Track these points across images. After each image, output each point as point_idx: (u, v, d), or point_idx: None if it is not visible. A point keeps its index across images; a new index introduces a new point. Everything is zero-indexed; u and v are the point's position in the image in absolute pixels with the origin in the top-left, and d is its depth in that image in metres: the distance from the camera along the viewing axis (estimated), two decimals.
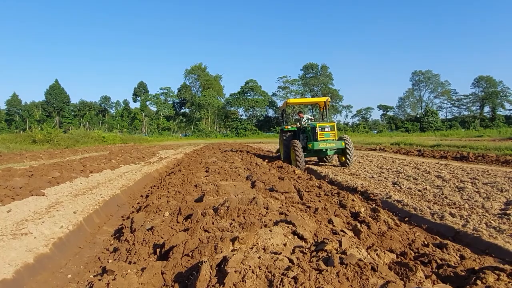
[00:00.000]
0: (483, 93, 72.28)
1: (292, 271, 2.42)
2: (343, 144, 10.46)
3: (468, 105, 74.78)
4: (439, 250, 3.18)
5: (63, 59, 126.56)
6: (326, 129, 10.72)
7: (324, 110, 12.51)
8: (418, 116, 72.63)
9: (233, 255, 2.58)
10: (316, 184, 6.85)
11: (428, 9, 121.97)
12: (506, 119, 65.56)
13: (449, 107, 78.37)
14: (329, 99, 12.23)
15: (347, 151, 10.50)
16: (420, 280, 2.41)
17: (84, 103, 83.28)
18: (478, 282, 2.34)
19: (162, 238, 3.78)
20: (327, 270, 2.42)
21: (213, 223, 3.87)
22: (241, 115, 77.58)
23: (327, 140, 10.63)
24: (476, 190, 6.09)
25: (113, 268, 3.02)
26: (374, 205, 5.52)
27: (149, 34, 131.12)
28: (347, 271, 2.41)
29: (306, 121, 13.00)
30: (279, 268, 2.51)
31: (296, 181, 7.25)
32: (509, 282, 2.37)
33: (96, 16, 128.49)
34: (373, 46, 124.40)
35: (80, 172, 9.25)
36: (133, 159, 14.39)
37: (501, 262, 3.13)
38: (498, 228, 3.98)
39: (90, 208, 5.44)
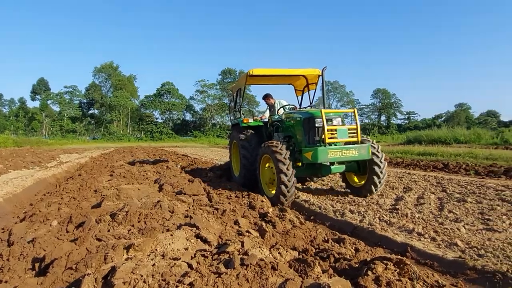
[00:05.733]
0: (380, 103, 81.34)
1: (189, 277, 2.24)
2: (369, 152, 5.61)
3: (369, 114, 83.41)
4: (337, 245, 3.31)
5: None
6: (335, 122, 5.70)
7: (322, 91, 6.68)
8: None
9: (122, 264, 2.30)
10: (228, 186, 6.77)
11: (336, 23, 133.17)
12: (398, 127, 74.46)
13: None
14: (326, 67, 6.43)
15: (376, 167, 5.74)
16: (317, 275, 2.44)
17: None
18: (369, 272, 2.46)
19: (44, 250, 3.27)
20: (226, 273, 2.30)
21: (108, 231, 3.49)
22: (157, 118, 74.62)
23: (339, 143, 5.61)
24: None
25: None
26: (283, 205, 5.60)
27: (50, 26, 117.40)
28: (247, 272, 2.33)
29: (282, 110, 7.32)
30: (175, 275, 2.31)
31: (208, 183, 7.08)
32: (395, 270, 2.54)
33: None
34: (286, 53, 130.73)
35: None
36: (26, 164, 12.65)
37: (390, 252, 3.39)
38: (389, 222, 4.34)
39: None
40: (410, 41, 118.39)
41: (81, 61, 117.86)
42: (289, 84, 8.20)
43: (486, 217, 4.35)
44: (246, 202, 5.34)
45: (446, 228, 3.92)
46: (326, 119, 5.46)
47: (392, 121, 79.57)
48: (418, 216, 4.52)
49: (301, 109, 7.26)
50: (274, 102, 7.78)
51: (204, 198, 5.22)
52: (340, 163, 5.91)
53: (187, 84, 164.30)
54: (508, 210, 4.64)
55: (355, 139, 5.66)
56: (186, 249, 2.92)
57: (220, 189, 6.58)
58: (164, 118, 74.36)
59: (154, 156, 16.84)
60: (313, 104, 7.72)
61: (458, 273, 2.89)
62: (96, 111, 74.86)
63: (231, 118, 8.39)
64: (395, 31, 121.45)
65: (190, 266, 2.47)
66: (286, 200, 5.43)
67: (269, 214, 4.42)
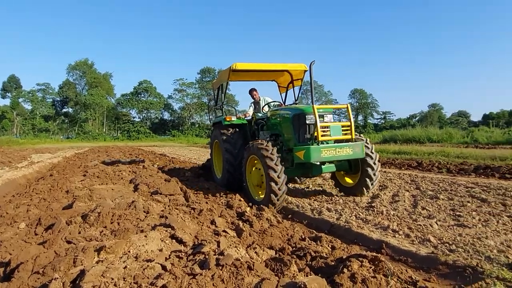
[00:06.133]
0: (357, 103, 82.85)
1: (163, 279, 2.18)
2: (363, 150, 5.36)
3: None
4: (314, 243, 3.32)
5: None
6: (327, 119, 5.40)
7: (311, 87, 5.52)
8: None
9: (92, 267, 2.21)
10: (205, 186, 6.68)
11: (313, 23, 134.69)
12: (375, 127, 76.10)
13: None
14: (314, 62, 5.30)
15: (369, 166, 5.51)
16: (294, 274, 2.42)
17: None
18: (345, 270, 2.46)
19: (10, 254, 3.11)
20: (201, 274, 2.25)
21: (79, 233, 3.37)
22: (134, 117, 73.01)
23: (330, 141, 5.32)
24: None
25: None
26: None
27: (21, 22, 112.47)
28: (222, 272, 2.28)
29: (267, 107, 7.20)
30: (148, 277, 2.24)
31: (185, 183, 6.96)
32: (370, 267, 2.56)
33: None
34: (265, 53, 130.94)
35: None
36: None
37: (366, 249, 3.42)
38: (365, 219, 4.40)
39: None
40: (386, 42, 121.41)
41: (55, 58, 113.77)
42: (272, 81, 7.87)
43: (457, 213, 4.48)
44: (224, 202, 5.29)
45: (420, 225, 4.01)
46: (320, 114, 5.22)
47: (369, 121, 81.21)
48: (393, 213, 4.60)
49: (289, 106, 6.87)
50: (259, 99, 7.41)
51: (180, 197, 5.13)
52: (330, 162, 5.57)
53: (165, 83, 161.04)
54: (477, 207, 4.80)
55: (348, 136, 5.36)
56: (161, 250, 2.85)
57: (198, 188, 6.49)
58: (141, 117, 72.89)
59: (130, 155, 16.49)
60: (297, 102, 7.48)
61: (430, 268, 2.95)
62: (70, 110, 72.56)
63: (210, 117, 7.94)
64: (371, 32, 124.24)
65: (164, 267, 2.41)
66: (277, 200, 5.00)
67: (246, 213, 4.39)
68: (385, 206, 5.01)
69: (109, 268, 2.23)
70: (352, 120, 5.41)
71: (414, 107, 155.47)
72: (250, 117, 7.02)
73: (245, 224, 3.76)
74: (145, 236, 3.01)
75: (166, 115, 75.74)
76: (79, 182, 6.20)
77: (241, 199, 5.36)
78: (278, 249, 3.22)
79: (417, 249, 3.27)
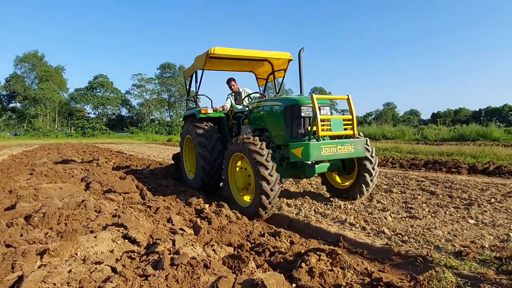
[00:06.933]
0: None
1: (111, 282, 2.04)
2: (364, 147, 4.82)
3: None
4: (273, 239, 3.30)
5: None
6: (324, 112, 4.76)
7: (300, 76, 5.38)
8: None
9: (32, 272, 2.02)
10: (164, 183, 6.47)
11: (273, 19, 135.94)
12: None
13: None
14: (303, 49, 5.14)
15: (367, 165, 5.00)
16: (252, 270, 2.37)
17: None
18: (303, 264, 2.46)
19: None
20: (154, 275, 2.14)
21: (21, 235, 3.09)
22: (89, 113, 69.50)
23: (328, 137, 4.73)
24: (309, 182, 6.84)
25: None
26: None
27: None
28: (177, 272, 2.18)
29: (249, 99, 6.61)
30: (95, 281, 2.09)
31: (142, 180, 6.70)
32: (328, 260, 2.57)
33: None
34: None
35: None
36: None
37: (324, 243, 3.47)
38: (323, 214, 4.47)
39: None
40: (345, 41, 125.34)
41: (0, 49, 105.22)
42: (250, 72, 7.18)
43: (409, 205, 4.68)
44: (182, 199, 5.13)
45: (375, 218, 4.14)
46: (320, 106, 4.50)
47: None
48: (350, 207, 4.72)
49: (278, 96, 5.87)
50: (237, 90, 6.68)
51: (136, 196, 4.91)
52: (325, 163, 5.02)
53: (122, 78, 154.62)
54: (427, 199, 5.05)
55: (350, 132, 4.73)
56: (112, 251, 2.68)
57: (156, 186, 6.28)
58: (97, 113, 69.55)
59: (84, 153, 15.67)
60: (279, 95, 6.69)
61: (385, 259, 3.04)
62: (18, 105, 67.58)
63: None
64: (329, 31, 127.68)
65: (114, 270, 2.26)
66: (266, 214, 4.35)
67: (205, 210, 4.28)
68: (342, 201, 5.12)
69: (51, 273, 2.05)
70: (355, 114, 4.74)
71: (370, 106, 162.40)
72: (227, 110, 6.34)
73: (203, 221, 3.66)
74: (95, 237, 2.82)
75: (124, 111, 72.98)
76: (25, 181, 5.74)
77: (201, 196, 5.25)
78: (236, 246, 3.17)
79: (373, 241, 3.36)
